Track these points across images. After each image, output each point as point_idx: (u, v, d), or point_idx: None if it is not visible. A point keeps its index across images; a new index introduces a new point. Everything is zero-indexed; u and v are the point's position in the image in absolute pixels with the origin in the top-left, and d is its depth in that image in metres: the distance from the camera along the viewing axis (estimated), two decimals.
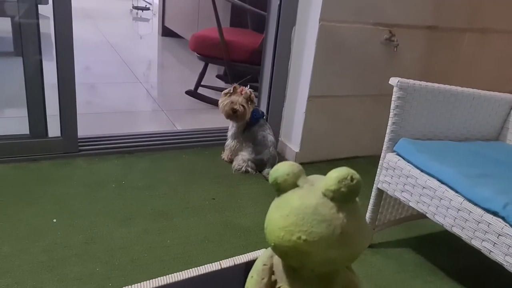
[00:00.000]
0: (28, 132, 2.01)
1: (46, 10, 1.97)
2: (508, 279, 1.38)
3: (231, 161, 2.19)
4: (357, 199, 0.59)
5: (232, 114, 2.07)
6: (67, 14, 1.86)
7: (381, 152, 1.56)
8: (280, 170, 0.61)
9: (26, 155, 1.99)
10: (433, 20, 2.32)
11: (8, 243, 1.47)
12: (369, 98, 2.36)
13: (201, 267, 0.79)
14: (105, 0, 7.24)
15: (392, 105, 1.50)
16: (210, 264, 0.80)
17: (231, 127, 2.21)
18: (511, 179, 1.34)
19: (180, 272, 0.77)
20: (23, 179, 1.86)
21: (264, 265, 0.65)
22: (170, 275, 0.76)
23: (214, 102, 2.91)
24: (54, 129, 2.03)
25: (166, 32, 4.90)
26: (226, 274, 0.81)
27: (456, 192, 1.30)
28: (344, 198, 0.57)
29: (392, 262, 1.61)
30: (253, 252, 0.84)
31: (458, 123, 1.64)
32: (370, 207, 1.61)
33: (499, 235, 1.18)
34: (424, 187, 1.39)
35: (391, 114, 1.51)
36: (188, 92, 3.12)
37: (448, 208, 1.31)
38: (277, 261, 0.64)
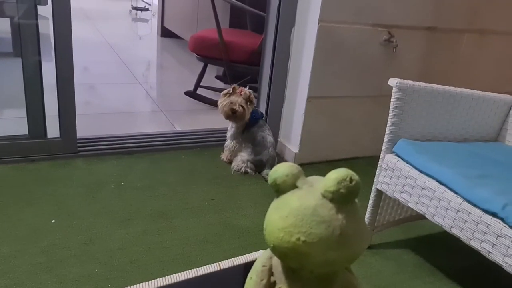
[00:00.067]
0: (27, 133, 2.01)
1: (45, 11, 1.97)
2: (507, 280, 1.38)
3: (230, 162, 2.19)
4: (356, 200, 0.59)
5: (232, 114, 2.07)
6: (66, 14, 1.86)
7: (380, 153, 1.56)
8: (279, 171, 0.61)
9: (25, 156, 1.98)
10: (432, 21, 2.32)
11: (7, 243, 1.47)
12: (368, 99, 2.36)
13: (200, 268, 0.79)
14: (104, 1, 7.24)
15: (391, 106, 1.50)
16: (209, 265, 0.80)
17: (230, 127, 2.21)
18: (510, 180, 1.34)
19: (179, 273, 0.77)
20: (22, 179, 1.85)
21: (263, 266, 0.65)
22: (169, 276, 0.76)
23: (213, 103, 2.91)
24: (53, 129, 2.03)
25: (165, 32, 4.90)
26: (225, 275, 0.81)
27: (455, 193, 1.30)
28: (343, 199, 0.57)
29: (391, 263, 1.62)
30: (252, 253, 0.84)
31: (457, 124, 1.65)
32: (369, 208, 1.61)
33: (498, 236, 1.18)
34: (423, 188, 1.39)
35: (390, 115, 1.51)
36: (187, 93, 3.12)
37: (447, 209, 1.31)
38: (276, 262, 0.64)
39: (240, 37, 3.02)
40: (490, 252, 1.21)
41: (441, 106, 1.58)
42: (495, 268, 1.23)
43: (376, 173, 1.57)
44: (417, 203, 1.42)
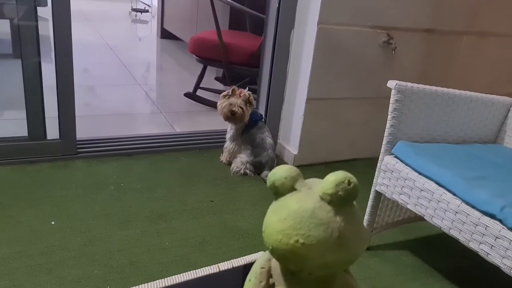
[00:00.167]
0: (26, 134, 2.01)
1: (45, 12, 1.97)
2: (505, 281, 1.38)
3: (229, 164, 2.19)
4: (354, 202, 0.60)
5: (231, 116, 2.08)
6: (66, 16, 1.86)
7: (379, 155, 1.56)
8: (277, 174, 0.61)
9: (25, 157, 1.98)
10: (431, 23, 2.33)
11: (6, 245, 1.47)
12: (367, 101, 2.36)
13: (199, 269, 0.80)
14: (104, 2, 7.24)
15: (390, 108, 1.50)
16: (208, 266, 0.81)
17: (229, 129, 2.21)
18: (508, 181, 1.35)
19: (178, 275, 0.77)
20: (21, 181, 1.85)
21: (262, 268, 0.65)
22: (168, 277, 0.76)
23: (212, 104, 2.92)
24: (52, 131, 2.03)
25: (165, 34, 4.90)
26: (224, 276, 0.81)
27: (454, 194, 1.30)
28: (341, 201, 0.57)
29: (390, 265, 1.62)
30: (251, 254, 0.85)
31: (455, 126, 1.65)
32: (368, 209, 1.62)
33: (497, 237, 1.18)
34: (422, 190, 1.39)
35: (389, 116, 1.51)
36: (187, 94, 3.12)
37: (445, 210, 1.32)
38: (275, 264, 0.65)
39: (240, 39, 3.03)
40: (488, 253, 1.21)
41: (440, 108, 1.59)
42: (494, 269, 1.23)
43: (375, 174, 1.57)
44: (416, 204, 1.42)
